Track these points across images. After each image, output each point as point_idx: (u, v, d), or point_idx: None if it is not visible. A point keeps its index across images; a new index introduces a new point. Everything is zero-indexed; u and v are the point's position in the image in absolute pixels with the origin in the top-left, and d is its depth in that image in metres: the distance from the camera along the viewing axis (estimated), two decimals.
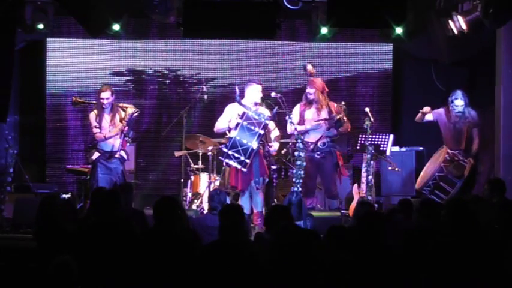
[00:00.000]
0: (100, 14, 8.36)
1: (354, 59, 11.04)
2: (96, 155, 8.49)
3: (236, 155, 7.99)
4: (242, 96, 8.38)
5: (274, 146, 8.76)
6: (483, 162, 9.47)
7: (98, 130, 8.46)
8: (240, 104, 8.18)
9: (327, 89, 8.81)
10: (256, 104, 8.45)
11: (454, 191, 8.72)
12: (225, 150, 8.05)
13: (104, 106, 8.47)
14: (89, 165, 8.95)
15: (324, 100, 8.69)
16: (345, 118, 8.55)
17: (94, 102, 8.74)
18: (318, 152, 8.62)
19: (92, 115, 8.52)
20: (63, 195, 9.10)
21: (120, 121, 8.53)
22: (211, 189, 8.74)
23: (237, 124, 8.04)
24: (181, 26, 8.10)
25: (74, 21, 9.55)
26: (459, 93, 8.94)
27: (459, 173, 8.78)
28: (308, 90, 8.69)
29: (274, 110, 8.32)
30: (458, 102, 8.89)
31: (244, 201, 8.32)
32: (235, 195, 8.55)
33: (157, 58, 10.89)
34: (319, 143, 8.62)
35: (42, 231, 5.53)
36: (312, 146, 8.60)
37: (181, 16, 8.20)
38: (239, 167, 8.08)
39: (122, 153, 8.55)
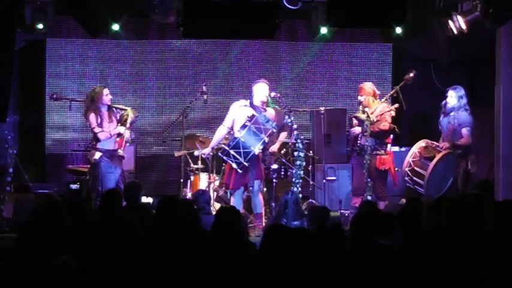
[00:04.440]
0: (100, 14, 8.36)
1: (353, 59, 11.03)
2: (98, 154, 8.53)
3: (236, 156, 8.00)
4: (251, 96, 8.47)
5: (274, 146, 8.77)
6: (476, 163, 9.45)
7: (101, 129, 8.53)
8: (252, 106, 8.19)
9: (378, 92, 8.90)
10: (263, 103, 8.47)
11: (444, 189, 8.74)
12: (227, 148, 8.07)
13: (109, 104, 8.62)
14: (87, 165, 8.98)
15: (374, 104, 8.76)
16: (375, 119, 8.56)
17: (69, 98, 9.19)
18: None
19: (93, 116, 8.56)
20: (72, 186, 9.18)
21: (119, 121, 8.67)
22: (199, 190, 8.74)
23: (245, 125, 8.05)
24: (181, 26, 8.10)
25: (73, 21, 9.52)
26: None
27: (430, 155, 8.80)
28: (359, 98, 8.80)
29: (287, 119, 8.34)
30: None
31: (236, 201, 8.32)
32: (217, 196, 8.57)
33: (157, 58, 10.88)
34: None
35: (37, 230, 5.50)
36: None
37: (181, 16, 8.20)
38: (235, 166, 8.09)
39: (120, 151, 8.62)
